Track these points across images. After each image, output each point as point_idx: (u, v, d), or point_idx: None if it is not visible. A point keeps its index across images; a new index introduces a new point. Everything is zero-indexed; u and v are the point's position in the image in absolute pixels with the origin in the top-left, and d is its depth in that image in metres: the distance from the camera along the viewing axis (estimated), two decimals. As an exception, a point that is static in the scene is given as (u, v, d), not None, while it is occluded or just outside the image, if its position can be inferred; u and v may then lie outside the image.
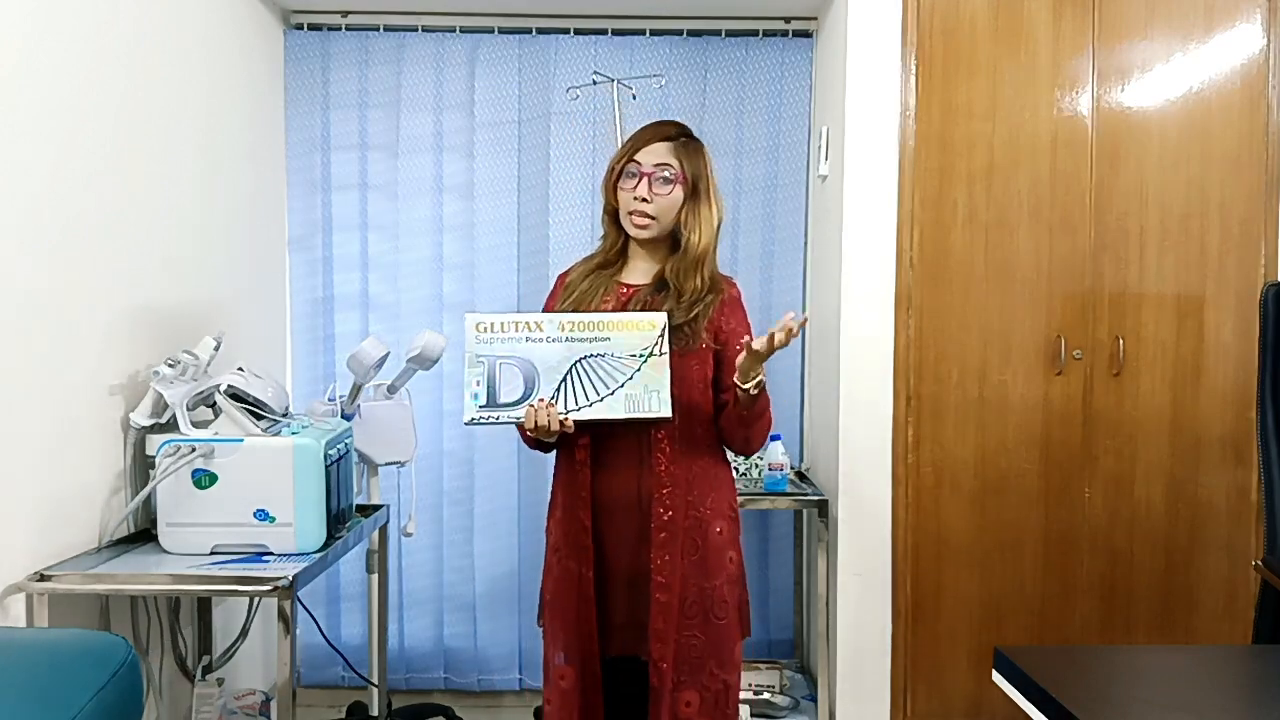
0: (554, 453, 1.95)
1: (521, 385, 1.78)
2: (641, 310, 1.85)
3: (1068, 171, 2.67)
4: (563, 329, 1.80)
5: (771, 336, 1.69)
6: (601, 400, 1.78)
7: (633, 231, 1.89)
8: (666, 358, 1.80)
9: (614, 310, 1.87)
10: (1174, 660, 1.39)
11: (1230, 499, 2.70)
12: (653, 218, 1.86)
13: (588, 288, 1.91)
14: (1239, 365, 2.67)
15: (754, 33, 3.09)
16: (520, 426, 1.82)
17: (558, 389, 1.78)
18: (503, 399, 1.77)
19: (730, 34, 3.09)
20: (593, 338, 1.80)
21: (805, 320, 1.82)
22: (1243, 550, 2.70)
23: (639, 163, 1.86)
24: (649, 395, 1.78)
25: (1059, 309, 2.68)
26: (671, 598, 1.80)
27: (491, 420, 1.78)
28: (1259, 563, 1.97)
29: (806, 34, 3.11)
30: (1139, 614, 2.72)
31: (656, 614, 1.79)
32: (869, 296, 2.68)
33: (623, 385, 1.78)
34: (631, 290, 1.91)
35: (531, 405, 1.76)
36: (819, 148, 2.96)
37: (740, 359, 1.75)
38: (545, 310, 1.99)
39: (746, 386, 1.76)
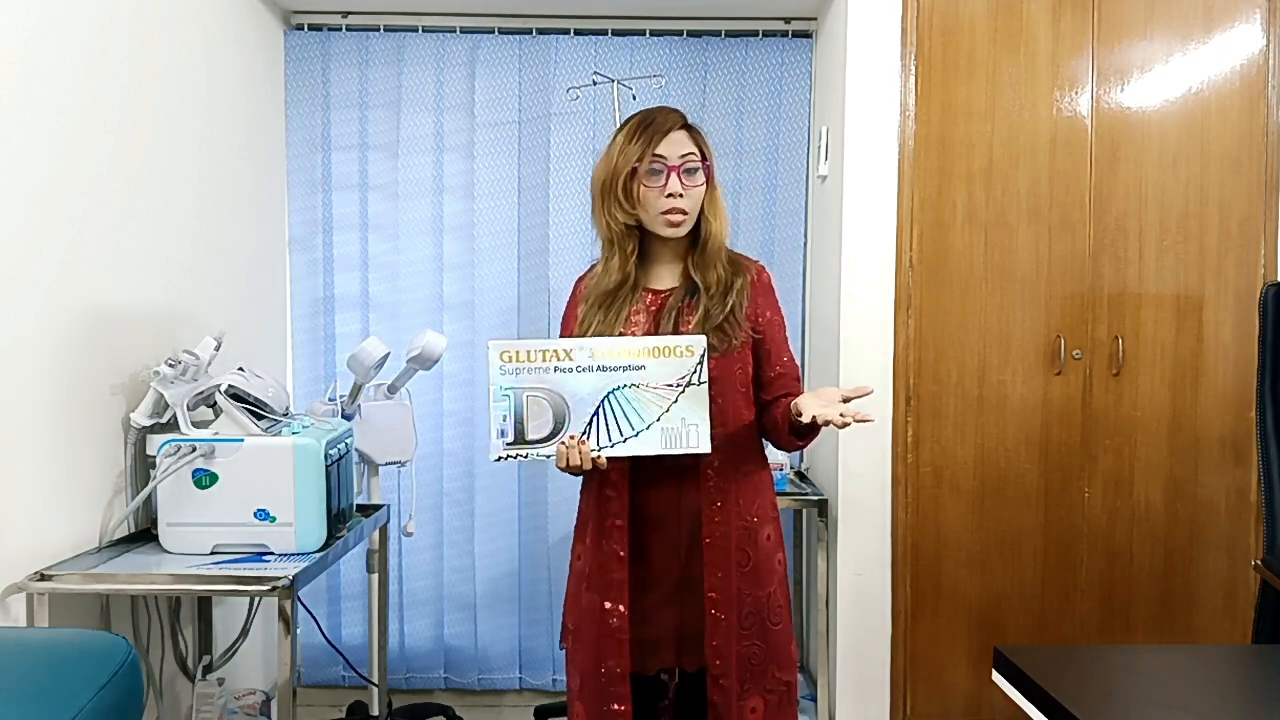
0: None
1: (550, 420, 1.65)
2: (676, 317, 1.73)
3: (1067, 172, 2.68)
4: (594, 356, 1.65)
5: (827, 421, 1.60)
6: (636, 435, 1.65)
7: (667, 232, 1.73)
8: (706, 387, 1.66)
9: (646, 319, 1.75)
10: (1174, 660, 1.39)
11: (1230, 499, 2.70)
12: (686, 213, 1.71)
13: (612, 306, 1.74)
14: (1238, 365, 2.67)
15: (754, 33, 3.10)
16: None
17: (590, 423, 1.65)
18: (531, 435, 1.65)
19: (730, 34, 3.09)
20: (626, 366, 1.65)
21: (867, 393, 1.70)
22: (1242, 550, 2.70)
23: (663, 156, 1.69)
24: (687, 429, 1.65)
25: (1058, 309, 2.69)
26: (729, 613, 1.72)
27: (519, 458, 1.65)
28: (1258, 562, 1.97)
29: (806, 34, 3.11)
30: (1139, 614, 2.72)
31: (713, 630, 1.71)
32: (869, 296, 2.69)
33: (659, 419, 1.66)
34: (661, 297, 1.77)
35: (562, 443, 1.64)
36: (819, 148, 2.96)
37: (800, 401, 1.65)
38: (565, 319, 1.85)
39: (806, 421, 1.63)
